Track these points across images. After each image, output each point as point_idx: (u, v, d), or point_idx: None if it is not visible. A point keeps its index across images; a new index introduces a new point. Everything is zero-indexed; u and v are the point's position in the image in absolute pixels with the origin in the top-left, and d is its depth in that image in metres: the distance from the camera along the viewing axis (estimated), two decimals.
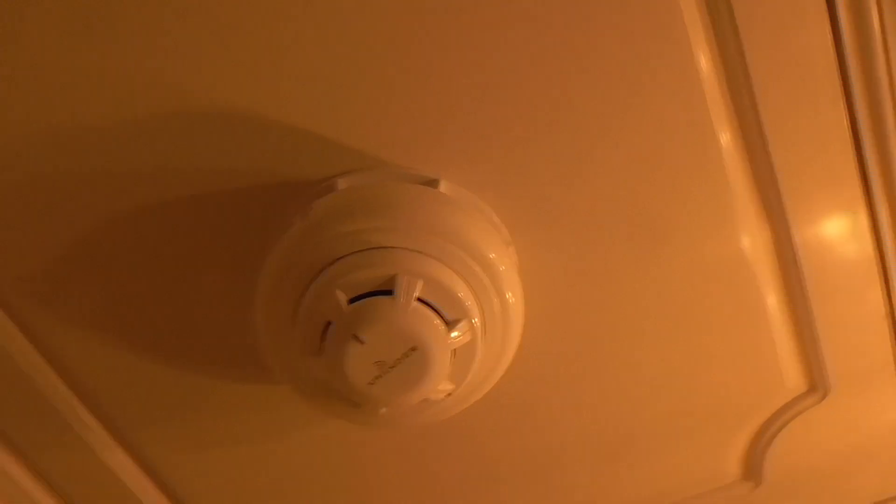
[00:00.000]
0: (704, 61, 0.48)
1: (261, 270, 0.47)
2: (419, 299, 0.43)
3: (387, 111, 0.48)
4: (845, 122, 0.51)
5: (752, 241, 0.54)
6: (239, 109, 0.47)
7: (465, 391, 0.48)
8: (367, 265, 0.43)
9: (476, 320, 0.45)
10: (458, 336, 0.44)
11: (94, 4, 0.43)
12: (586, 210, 0.52)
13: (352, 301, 0.43)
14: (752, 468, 0.64)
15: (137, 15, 0.44)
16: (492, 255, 0.46)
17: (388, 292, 0.43)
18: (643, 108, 0.49)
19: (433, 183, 0.49)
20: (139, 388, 0.59)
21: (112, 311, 0.55)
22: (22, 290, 0.53)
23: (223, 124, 0.47)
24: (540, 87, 0.47)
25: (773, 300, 0.56)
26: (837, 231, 0.54)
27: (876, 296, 0.57)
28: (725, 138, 0.51)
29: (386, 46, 0.46)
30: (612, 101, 0.48)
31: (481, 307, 0.46)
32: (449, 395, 0.47)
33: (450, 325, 0.44)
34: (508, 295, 0.47)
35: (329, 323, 0.44)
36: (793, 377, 0.60)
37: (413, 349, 0.43)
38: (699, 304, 0.56)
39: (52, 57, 0.44)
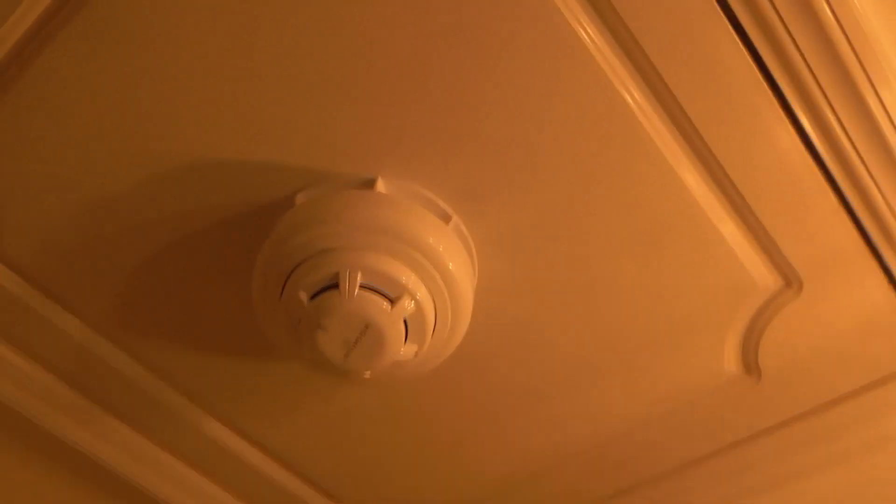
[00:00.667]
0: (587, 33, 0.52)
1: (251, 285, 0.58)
2: (362, 286, 0.53)
3: (327, 129, 0.56)
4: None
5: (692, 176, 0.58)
6: (213, 159, 0.58)
7: (433, 348, 0.57)
8: (317, 267, 0.53)
9: (419, 293, 0.54)
10: (403, 309, 0.53)
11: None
12: (521, 167, 0.58)
13: (312, 298, 0.54)
14: (749, 363, 0.68)
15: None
16: (425, 235, 0.55)
17: (337, 286, 0.53)
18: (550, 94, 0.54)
19: (370, 183, 0.57)
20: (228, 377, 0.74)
21: (186, 321, 0.69)
22: (120, 321, 0.69)
23: (205, 173, 0.59)
24: (446, 86, 0.54)
25: (723, 218, 0.60)
26: (764, 149, 0.57)
27: (824, 192, 0.59)
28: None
29: (317, 78, 0.54)
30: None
31: (424, 280, 0.54)
32: (416, 354, 0.56)
33: (393, 301, 0.53)
34: (450, 265, 0.55)
35: (301, 313, 0.54)
36: (763, 276, 0.64)
37: (366, 326, 0.53)
38: (651, 228, 0.61)
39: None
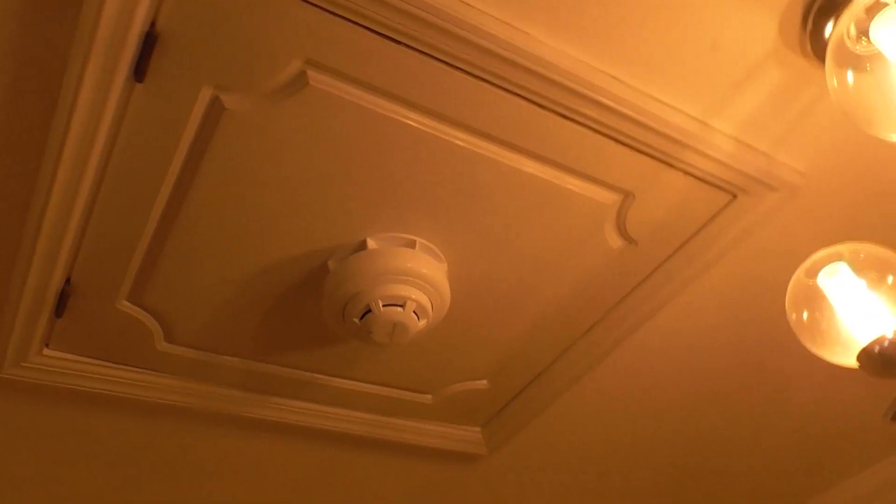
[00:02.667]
0: None
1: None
2: (384, 305, 0.96)
3: (335, 222, 0.97)
4: None
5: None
6: (292, 245, 1.00)
7: (436, 316, 1.01)
8: (356, 303, 0.97)
9: (416, 295, 0.97)
10: (410, 308, 0.96)
11: None
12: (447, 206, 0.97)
13: (360, 319, 0.97)
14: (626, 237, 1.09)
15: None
16: (405, 262, 0.97)
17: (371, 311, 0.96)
18: None
19: (363, 244, 0.98)
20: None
21: (297, 337, 1.15)
22: (259, 348, 1.15)
23: (291, 254, 1.01)
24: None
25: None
26: None
27: None
28: None
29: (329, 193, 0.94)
30: None
31: (416, 287, 0.97)
32: (427, 323, 1.00)
33: (404, 306, 0.96)
34: (426, 272, 0.98)
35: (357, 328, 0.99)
36: (605, 195, 1.03)
37: (394, 325, 0.97)
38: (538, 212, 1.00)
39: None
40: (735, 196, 1.04)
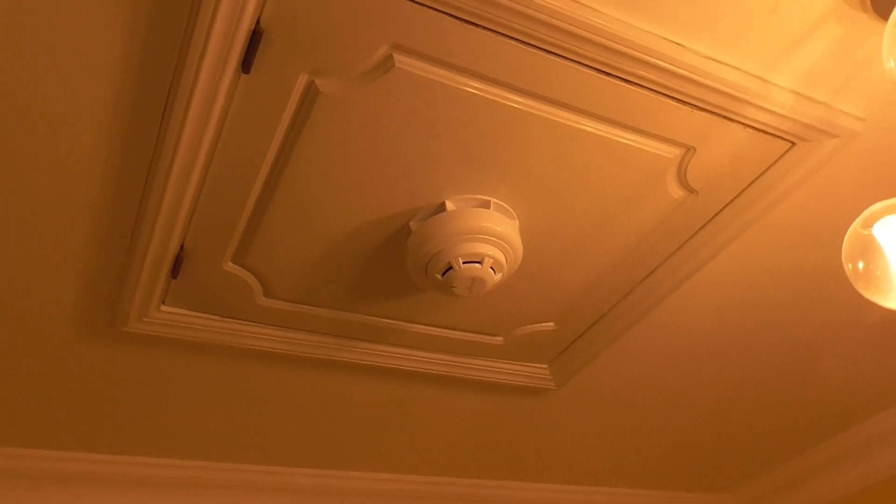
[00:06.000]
0: None
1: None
2: (464, 262, 1.05)
3: (420, 185, 1.06)
4: None
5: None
6: (382, 204, 1.11)
7: (510, 269, 1.11)
8: (438, 261, 1.07)
9: (492, 251, 1.06)
10: (487, 264, 1.06)
11: None
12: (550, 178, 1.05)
13: (443, 275, 1.07)
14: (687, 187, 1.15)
15: None
16: (482, 222, 1.05)
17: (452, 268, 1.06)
18: None
19: (443, 205, 1.07)
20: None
21: (382, 288, 1.26)
22: (349, 299, 1.27)
23: (377, 216, 1.11)
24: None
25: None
26: None
27: None
28: None
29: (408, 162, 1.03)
30: None
31: (492, 244, 1.06)
32: (502, 276, 1.10)
33: (482, 262, 1.06)
34: (500, 229, 1.07)
35: (440, 283, 1.09)
36: (669, 149, 1.09)
37: (473, 280, 1.07)
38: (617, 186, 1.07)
39: None
40: (793, 144, 1.09)
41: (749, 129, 1.06)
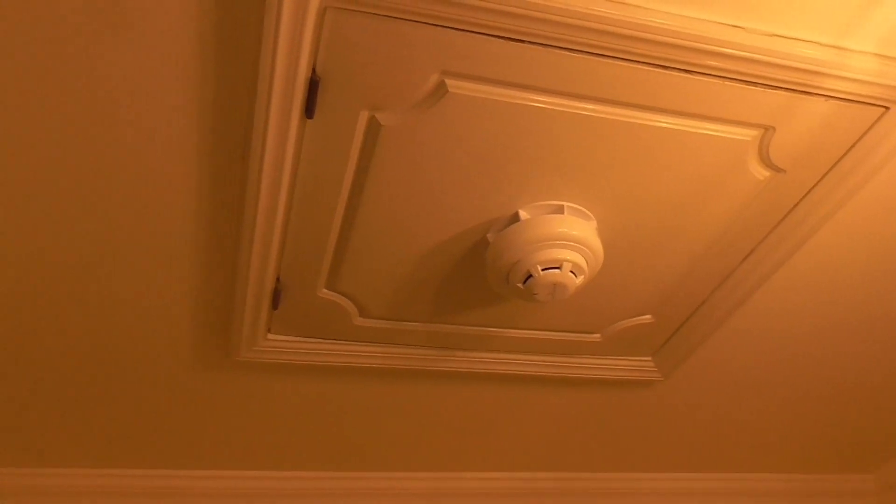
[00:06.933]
0: None
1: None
2: (543, 269, 1.06)
3: (517, 183, 1.08)
4: None
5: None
6: (458, 220, 1.14)
7: (591, 271, 1.10)
8: (517, 270, 1.08)
9: (572, 256, 1.06)
10: (567, 268, 1.06)
11: None
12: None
13: (524, 283, 1.08)
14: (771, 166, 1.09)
15: None
16: (558, 227, 1.06)
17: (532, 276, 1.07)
18: None
19: (516, 216, 1.08)
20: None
21: (465, 300, 1.29)
22: (435, 312, 1.31)
23: (455, 229, 1.15)
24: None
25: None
26: None
27: None
28: None
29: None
30: None
31: (571, 248, 1.06)
32: (584, 279, 1.09)
33: (562, 268, 1.06)
34: (576, 233, 1.06)
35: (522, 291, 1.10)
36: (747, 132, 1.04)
37: (555, 285, 1.07)
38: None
39: None
40: (887, 108, 1.01)
41: (833, 100, 0.99)
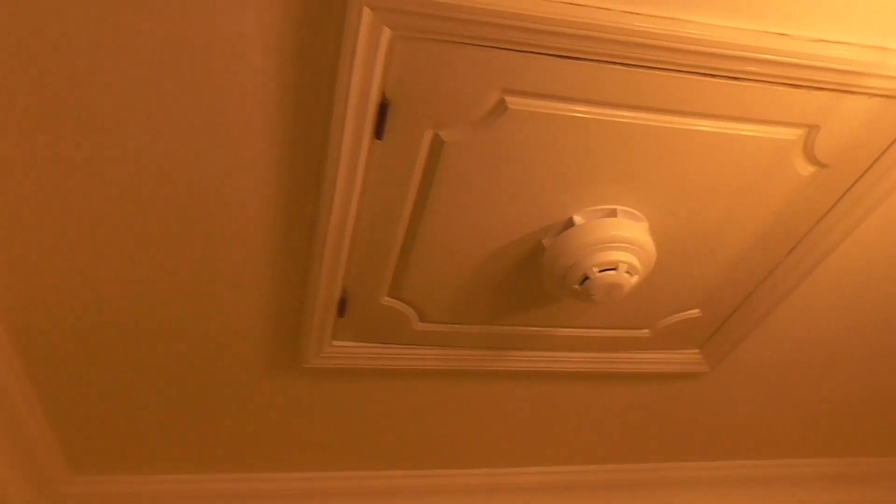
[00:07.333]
0: None
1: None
2: (600, 271, 1.11)
3: (570, 190, 1.13)
4: None
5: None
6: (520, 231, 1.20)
7: (645, 271, 1.15)
8: (573, 272, 1.13)
9: (626, 257, 1.11)
10: (623, 269, 1.11)
11: None
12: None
13: (580, 284, 1.14)
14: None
15: None
16: (612, 230, 1.11)
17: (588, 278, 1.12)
18: None
19: (570, 221, 1.14)
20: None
21: (520, 301, 1.35)
22: (494, 314, 1.37)
23: (509, 228, 1.20)
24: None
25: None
26: None
27: None
28: None
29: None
30: None
31: (626, 249, 1.12)
32: (638, 279, 1.15)
33: (617, 269, 1.11)
34: (629, 235, 1.11)
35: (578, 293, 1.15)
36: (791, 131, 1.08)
37: (611, 286, 1.12)
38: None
39: None
40: None
41: (876, 98, 1.03)
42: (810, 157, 1.13)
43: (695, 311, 1.46)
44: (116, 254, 1.18)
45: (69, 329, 1.31)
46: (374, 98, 0.93)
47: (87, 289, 1.24)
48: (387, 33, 0.86)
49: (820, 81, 0.99)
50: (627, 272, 1.13)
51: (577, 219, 1.14)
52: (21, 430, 1.49)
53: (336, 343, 1.41)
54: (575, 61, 0.93)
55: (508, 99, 0.96)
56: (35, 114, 0.96)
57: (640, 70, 0.95)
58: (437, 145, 1.01)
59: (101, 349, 1.37)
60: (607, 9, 0.88)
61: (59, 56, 0.89)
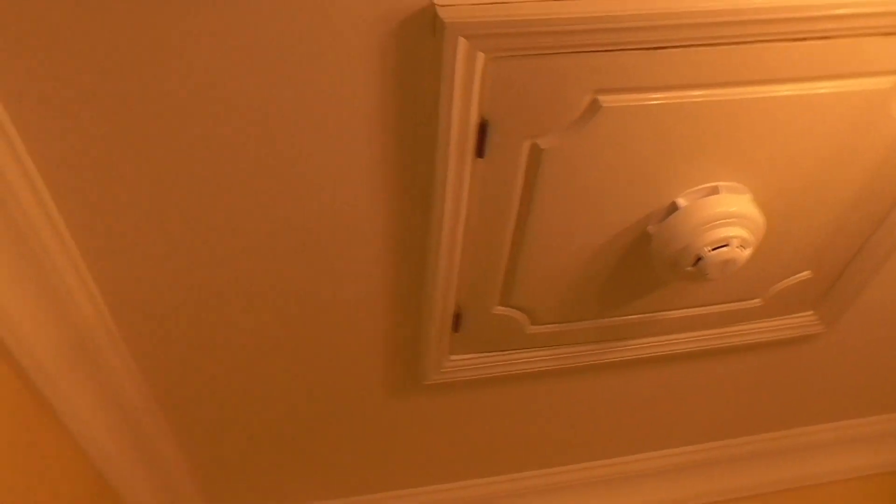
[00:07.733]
0: None
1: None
2: (712, 249, 1.12)
3: (668, 174, 1.15)
4: None
5: None
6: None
7: (755, 245, 1.15)
8: (686, 254, 1.14)
9: (737, 231, 1.12)
10: (736, 245, 1.12)
11: None
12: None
13: (694, 265, 1.15)
14: None
15: None
16: (719, 207, 1.11)
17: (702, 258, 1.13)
18: None
19: (675, 205, 1.15)
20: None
21: (610, 291, 1.37)
22: (599, 309, 1.39)
23: (612, 221, 1.22)
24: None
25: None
26: None
27: None
28: None
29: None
30: None
31: (735, 224, 1.12)
32: (751, 252, 1.15)
33: (730, 244, 1.12)
34: (736, 209, 1.12)
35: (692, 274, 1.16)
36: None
37: (725, 262, 1.13)
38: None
39: None
40: None
41: None
42: None
43: (805, 273, 1.44)
44: (250, 300, 1.25)
45: (198, 361, 1.37)
46: (473, 120, 0.97)
47: (218, 326, 1.30)
48: (481, 58, 0.90)
49: None
50: (740, 246, 1.13)
51: (681, 201, 1.15)
52: (156, 461, 1.55)
53: (453, 357, 1.45)
54: (662, 50, 0.94)
55: (601, 98, 0.99)
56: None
57: (728, 47, 0.96)
58: (535, 153, 1.04)
59: (230, 382, 1.44)
60: None
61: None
